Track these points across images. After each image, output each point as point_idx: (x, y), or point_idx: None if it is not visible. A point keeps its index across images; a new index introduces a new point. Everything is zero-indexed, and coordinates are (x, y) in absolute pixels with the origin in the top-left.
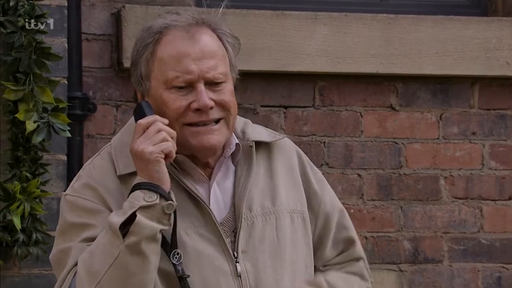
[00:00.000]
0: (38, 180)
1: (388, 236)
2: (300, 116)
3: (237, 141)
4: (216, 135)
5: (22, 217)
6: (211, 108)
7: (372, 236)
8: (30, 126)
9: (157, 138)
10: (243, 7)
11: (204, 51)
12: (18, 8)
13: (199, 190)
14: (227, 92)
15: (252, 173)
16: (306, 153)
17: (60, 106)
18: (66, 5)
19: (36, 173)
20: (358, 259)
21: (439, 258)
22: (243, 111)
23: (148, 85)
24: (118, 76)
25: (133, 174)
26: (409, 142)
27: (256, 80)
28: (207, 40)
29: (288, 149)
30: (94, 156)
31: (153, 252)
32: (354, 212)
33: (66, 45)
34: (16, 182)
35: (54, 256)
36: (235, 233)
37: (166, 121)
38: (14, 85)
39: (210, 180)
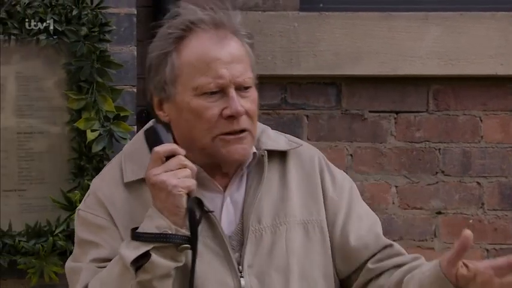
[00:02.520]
0: None
1: None
2: (412, 122)
3: (255, 150)
4: (245, 145)
5: None
6: (242, 115)
7: (494, 249)
8: (90, 135)
9: (182, 174)
10: (347, 10)
11: (233, 55)
12: (82, 16)
13: (212, 201)
14: (254, 100)
15: (263, 184)
16: (418, 160)
17: (122, 114)
18: (135, 13)
19: None
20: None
21: None
22: (350, 117)
23: (174, 91)
24: None
25: (140, 181)
26: None
27: (363, 84)
28: (233, 44)
29: (306, 156)
30: (107, 164)
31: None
32: (473, 222)
33: (135, 53)
34: (76, 191)
35: (68, 270)
36: (244, 245)
37: (183, 151)
38: (75, 94)
39: (224, 191)
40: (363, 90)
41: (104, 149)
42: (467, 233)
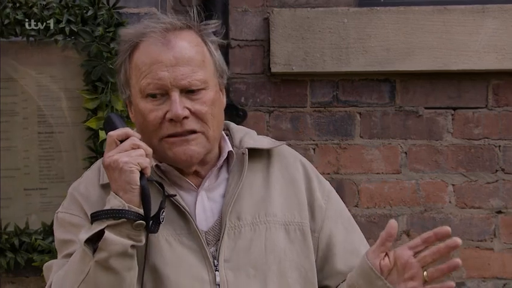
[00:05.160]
0: None
1: None
2: (470, 118)
3: (230, 149)
4: (192, 146)
5: None
6: (186, 118)
7: None
8: (102, 134)
9: (134, 153)
10: (400, 4)
11: (179, 58)
12: (98, 17)
13: (186, 199)
14: (206, 101)
15: (242, 181)
16: (477, 158)
17: None
18: (155, 12)
19: None
20: None
21: None
22: (404, 114)
23: (129, 93)
24: (270, 81)
25: None
26: None
27: (417, 80)
28: (184, 46)
29: (290, 159)
30: (90, 168)
31: (126, 268)
32: None
33: None
34: None
35: (44, 270)
36: (221, 240)
37: (138, 135)
38: (88, 94)
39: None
40: (417, 86)
41: None
42: (392, 222)
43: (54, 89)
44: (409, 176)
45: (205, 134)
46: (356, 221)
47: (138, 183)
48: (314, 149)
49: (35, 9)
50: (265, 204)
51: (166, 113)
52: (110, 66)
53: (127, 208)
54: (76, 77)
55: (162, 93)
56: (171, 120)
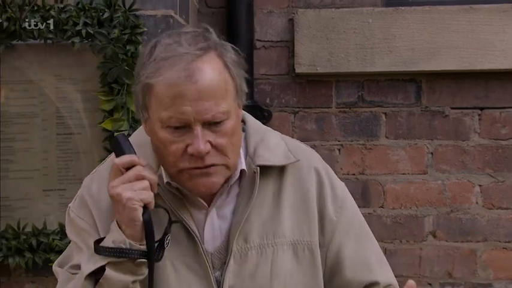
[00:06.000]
0: None
1: None
2: (497, 118)
3: (243, 167)
4: (213, 178)
5: None
6: (208, 152)
7: None
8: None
9: (138, 185)
10: (425, 3)
11: (202, 91)
12: (114, 19)
13: (196, 217)
14: (227, 132)
15: (253, 201)
16: (504, 158)
17: None
18: (172, 14)
19: None
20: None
21: None
22: (430, 115)
23: (146, 116)
24: (295, 82)
25: None
26: None
27: (443, 80)
28: (208, 77)
29: (304, 171)
30: (102, 162)
31: None
32: None
33: None
34: None
35: (54, 271)
36: (226, 265)
37: (144, 162)
38: (104, 95)
39: (209, 206)
40: (443, 86)
41: None
42: (411, 283)
43: (71, 91)
44: (435, 176)
45: (225, 165)
46: (381, 222)
47: (141, 219)
48: (339, 150)
49: (52, 12)
50: (275, 224)
51: (187, 146)
52: (126, 68)
53: (128, 246)
54: (93, 79)
55: (182, 125)
56: (192, 154)
